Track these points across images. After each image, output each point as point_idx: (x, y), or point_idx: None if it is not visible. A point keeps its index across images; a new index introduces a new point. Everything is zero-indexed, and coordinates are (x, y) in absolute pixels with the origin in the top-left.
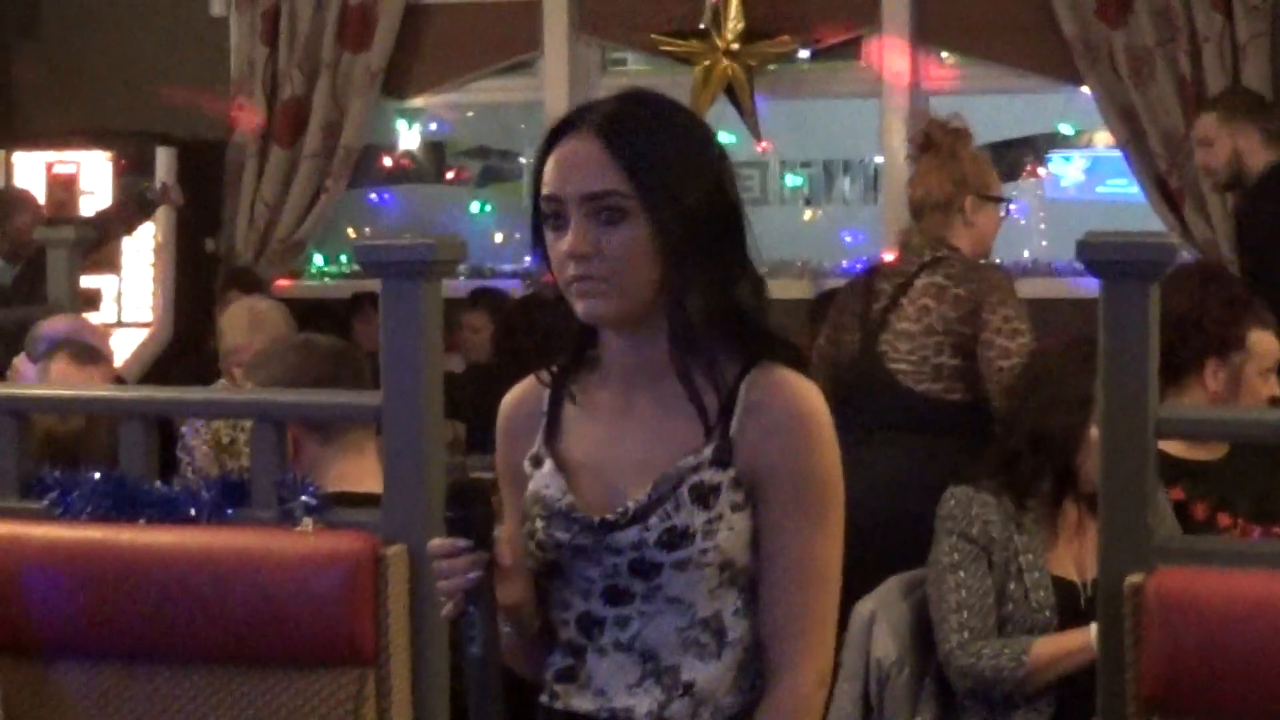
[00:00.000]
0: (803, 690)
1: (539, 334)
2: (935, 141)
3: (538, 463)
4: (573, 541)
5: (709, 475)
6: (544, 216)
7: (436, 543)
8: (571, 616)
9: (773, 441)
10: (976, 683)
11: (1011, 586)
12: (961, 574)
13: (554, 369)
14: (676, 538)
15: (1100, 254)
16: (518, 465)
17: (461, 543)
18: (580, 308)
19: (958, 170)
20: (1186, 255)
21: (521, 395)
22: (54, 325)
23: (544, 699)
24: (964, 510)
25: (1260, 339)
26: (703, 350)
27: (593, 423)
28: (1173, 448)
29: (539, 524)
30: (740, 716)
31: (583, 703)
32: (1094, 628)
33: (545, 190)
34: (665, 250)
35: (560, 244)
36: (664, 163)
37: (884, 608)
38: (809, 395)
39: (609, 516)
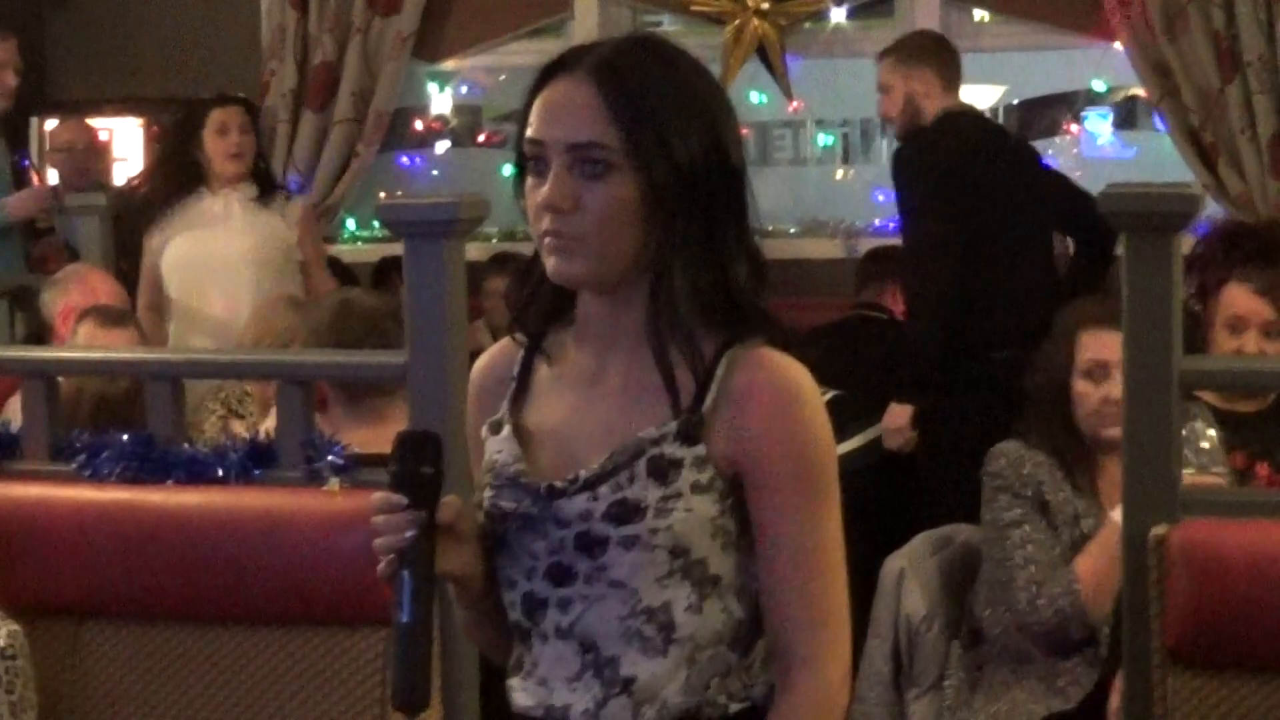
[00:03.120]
0: (828, 688)
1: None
2: None
3: (496, 429)
4: (519, 510)
5: (670, 449)
6: (526, 160)
7: (376, 496)
8: (517, 596)
9: (757, 423)
10: (1052, 633)
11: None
12: (1026, 528)
13: (526, 331)
14: (627, 511)
15: (1122, 206)
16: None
17: (400, 499)
18: (550, 265)
19: None
20: (1219, 210)
21: (492, 360)
22: (65, 287)
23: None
24: (1015, 469)
25: (1229, 291)
26: (680, 324)
27: (563, 389)
28: (1213, 399)
29: (488, 493)
30: (693, 718)
31: (525, 698)
32: (1117, 511)
33: (529, 133)
34: (652, 214)
35: (538, 193)
36: (660, 116)
37: (913, 564)
38: (792, 371)
39: (557, 484)
